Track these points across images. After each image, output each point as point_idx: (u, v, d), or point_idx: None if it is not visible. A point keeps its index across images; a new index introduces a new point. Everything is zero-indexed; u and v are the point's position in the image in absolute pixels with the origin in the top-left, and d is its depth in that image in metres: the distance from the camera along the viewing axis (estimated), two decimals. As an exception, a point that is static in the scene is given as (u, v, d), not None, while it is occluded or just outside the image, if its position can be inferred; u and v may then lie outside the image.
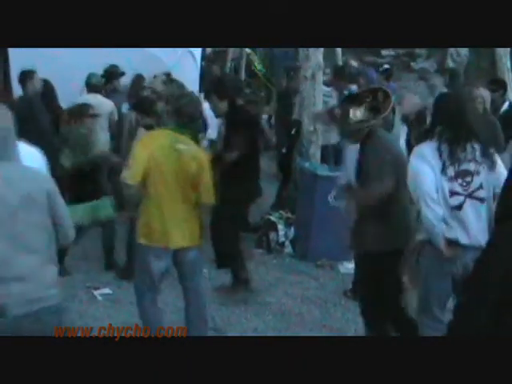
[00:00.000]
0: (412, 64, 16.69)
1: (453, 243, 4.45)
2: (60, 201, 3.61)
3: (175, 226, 5.01)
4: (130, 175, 4.96)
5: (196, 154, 5.07)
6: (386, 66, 11.20)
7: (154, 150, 4.95)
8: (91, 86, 8.32)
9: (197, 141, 5.47)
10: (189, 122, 5.07)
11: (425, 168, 4.48)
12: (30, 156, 3.96)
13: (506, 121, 7.48)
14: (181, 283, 5.28)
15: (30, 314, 3.35)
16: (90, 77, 8.33)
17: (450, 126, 4.52)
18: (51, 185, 3.59)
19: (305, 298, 6.61)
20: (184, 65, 9.58)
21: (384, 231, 4.84)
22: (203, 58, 11.50)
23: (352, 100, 5.03)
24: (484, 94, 7.26)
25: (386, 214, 4.84)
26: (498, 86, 8.77)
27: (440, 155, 4.47)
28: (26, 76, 7.63)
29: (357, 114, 4.91)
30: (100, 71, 8.78)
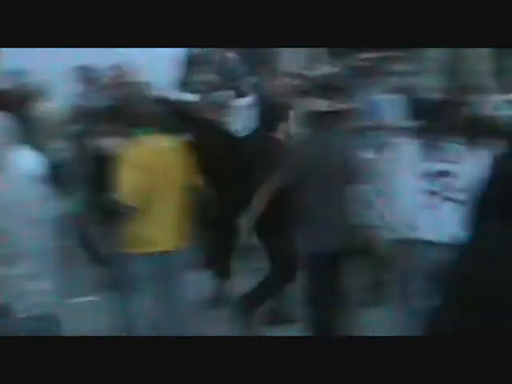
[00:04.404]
0: (390, 67, 16.68)
1: None
2: None
3: (164, 232, 5.03)
4: (128, 196, 4.83)
5: (173, 145, 5.18)
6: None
7: (142, 160, 4.90)
8: None
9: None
10: (141, 121, 5.04)
11: None
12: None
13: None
14: (158, 286, 5.24)
15: (32, 317, 3.38)
16: None
17: None
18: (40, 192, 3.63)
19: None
20: (159, 68, 9.55)
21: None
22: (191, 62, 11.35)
23: None
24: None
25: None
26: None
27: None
28: None
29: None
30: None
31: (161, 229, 5.00)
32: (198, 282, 6.66)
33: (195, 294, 6.36)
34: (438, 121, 4.68)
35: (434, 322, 2.57)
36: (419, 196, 4.57)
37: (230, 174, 6.40)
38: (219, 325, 5.99)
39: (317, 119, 5.13)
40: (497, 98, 8.93)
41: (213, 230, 6.61)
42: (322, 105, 5.06)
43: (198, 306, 6.33)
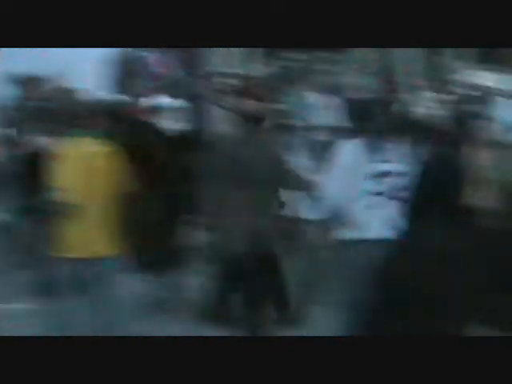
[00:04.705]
0: (322, 68, 16.79)
1: None
2: None
3: (95, 236, 4.96)
4: (62, 195, 4.78)
5: (105, 149, 5.04)
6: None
7: (74, 161, 4.85)
8: None
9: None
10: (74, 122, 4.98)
11: None
12: None
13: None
14: (90, 292, 5.13)
15: None
16: None
17: None
18: None
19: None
20: (93, 70, 9.46)
21: None
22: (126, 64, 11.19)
23: None
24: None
25: None
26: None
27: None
28: None
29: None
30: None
31: (93, 233, 4.94)
32: (141, 285, 6.63)
33: (136, 297, 6.34)
34: (370, 121, 4.72)
35: (374, 321, 2.59)
36: (365, 196, 4.59)
37: (166, 175, 6.39)
38: (167, 326, 5.96)
39: (247, 119, 5.12)
40: (428, 97, 9.11)
41: (153, 232, 6.55)
42: (253, 105, 5.07)
43: (139, 308, 6.27)
